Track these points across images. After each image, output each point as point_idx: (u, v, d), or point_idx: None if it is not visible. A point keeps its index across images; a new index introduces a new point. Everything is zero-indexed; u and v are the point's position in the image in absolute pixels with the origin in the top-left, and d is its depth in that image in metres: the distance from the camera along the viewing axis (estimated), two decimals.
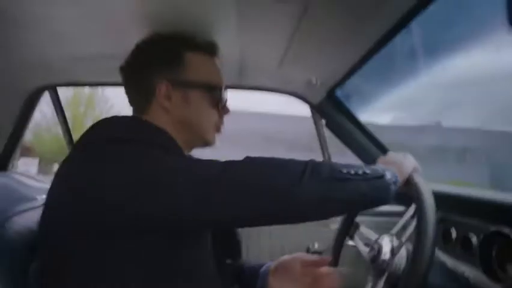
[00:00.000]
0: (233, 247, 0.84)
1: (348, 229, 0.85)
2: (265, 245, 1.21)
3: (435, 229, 0.54)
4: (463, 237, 0.93)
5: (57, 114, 1.34)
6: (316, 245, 1.21)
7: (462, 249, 0.93)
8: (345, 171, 0.56)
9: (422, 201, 0.60)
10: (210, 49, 0.75)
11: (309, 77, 1.13)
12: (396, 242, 0.69)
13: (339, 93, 1.26)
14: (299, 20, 0.76)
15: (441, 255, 1.02)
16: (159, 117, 0.69)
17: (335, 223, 0.86)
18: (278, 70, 1.07)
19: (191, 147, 0.76)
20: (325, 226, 1.22)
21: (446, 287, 0.86)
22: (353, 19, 0.76)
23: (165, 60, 0.70)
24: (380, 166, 0.64)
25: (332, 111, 1.31)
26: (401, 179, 0.64)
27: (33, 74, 1.06)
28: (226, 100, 0.76)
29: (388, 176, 0.60)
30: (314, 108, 1.35)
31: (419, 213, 0.60)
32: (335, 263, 0.83)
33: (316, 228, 1.22)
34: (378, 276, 0.69)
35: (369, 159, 1.32)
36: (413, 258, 0.52)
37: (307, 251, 1.21)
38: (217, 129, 0.76)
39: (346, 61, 0.98)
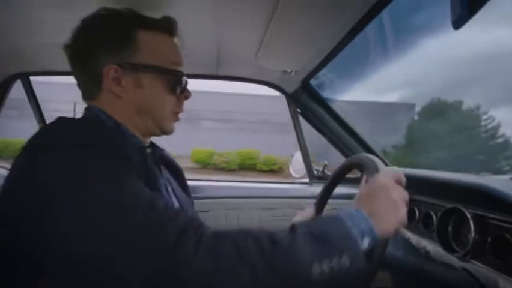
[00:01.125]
0: None
1: (322, 211, 0.90)
2: (244, 225, 1.25)
3: None
4: (424, 215, 1.02)
5: (30, 103, 1.31)
6: None
7: (424, 226, 1.01)
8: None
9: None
10: (166, 27, 0.67)
11: (284, 67, 1.16)
12: None
13: (313, 83, 1.31)
14: (274, 11, 0.78)
15: (406, 233, 1.11)
16: (110, 104, 0.63)
17: (310, 206, 0.90)
18: (254, 60, 1.09)
19: (148, 135, 0.70)
20: (301, 209, 1.27)
21: (410, 261, 0.94)
22: (327, 9, 0.79)
23: (113, 40, 0.62)
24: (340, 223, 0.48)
25: (307, 101, 1.35)
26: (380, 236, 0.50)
27: (4, 62, 1.02)
28: (185, 84, 0.69)
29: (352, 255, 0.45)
30: (289, 97, 1.39)
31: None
32: None
33: (292, 211, 1.28)
34: None
35: (343, 147, 1.38)
36: None
37: None
38: (175, 116, 0.70)
39: (320, 51, 1.01)
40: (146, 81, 0.63)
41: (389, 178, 0.57)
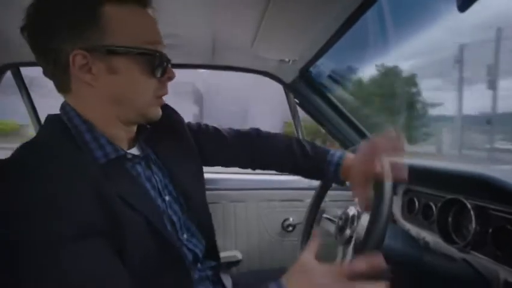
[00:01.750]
0: (206, 227, 0.76)
1: (320, 203, 0.89)
2: (241, 219, 1.25)
3: (392, 193, 0.58)
4: (424, 206, 1.01)
5: (21, 94, 1.28)
6: (291, 219, 1.26)
7: (423, 217, 1.01)
8: None
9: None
10: None
11: (281, 57, 1.13)
12: (363, 213, 0.74)
13: (311, 72, 1.28)
14: None
15: (405, 224, 1.10)
16: (84, 96, 0.56)
17: (308, 197, 0.89)
18: (251, 50, 1.06)
19: (131, 125, 0.63)
20: (299, 200, 1.26)
21: (410, 252, 0.93)
22: None
23: (75, 20, 0.52)
24: None
25: (305, 91, 1.33)
26: None
27: None
28: (166, 63, 0.60)
29: None
30: (287, 87, 1.36)
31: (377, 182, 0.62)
32: (309, 235, 0.87)
33: (290, 203, 1.27)
34: (346, 244, 0.73)
35: (342, 138, 1.36)
36: (370, 219, 0.56)
37: (283, 224, 1.26)
38: (159, 100, 0.62)
39: (318, 39, 0.99)
40: (120, 65, 0.55)
41: (346, 275, 0.48)
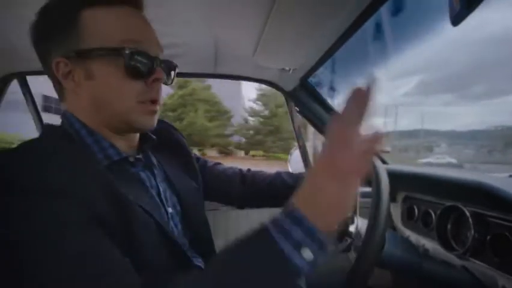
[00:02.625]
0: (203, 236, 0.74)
1: None
2: (243, 226, 1.25)
3: (389, 201, 0.58)
4: (423, 213, 1.02)
5: (27, 103, 1.30)
6: None
7: (423, 224, 1.01)
8: None
9: (377, 175, 0.63)
10: None
11: (282, 65, 1.15)
12: (360, 219, 0.75)
13: (311, 81, 1.30)
14: (271, 9, 0.77)
15: (405, 231, 1.11)
16: (74, 104, 0.56)
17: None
18: (252, 59, 1.08)
19: (122, 132, 0.59)
20: None
21: (409, 259, 0.93)
22: (324, 7, 0.78)
23: (55, 29, 0.53)
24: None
25: (305, 99, 1.35)
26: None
27: (0, 61, 1.02)
28: (151, 64, 0.54)
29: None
30: (288, 95, 1.38)
31: (374, 189, 0.62)
32: None
33: None
34: (345, 251, 0.74)
35: None
36: (369, 226, 0.56)
37: None
38: (145, 106, 0.56)
39: (318, 49, 1.01)
40: (95, 70, 0.52)
41: (334, 139, 0.41)
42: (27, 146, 0.51)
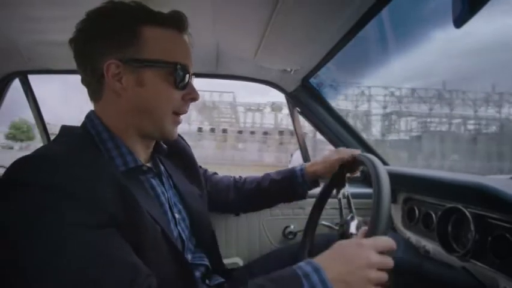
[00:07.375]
0: (208, 237, 0.80)
1: (321, 211, 0.89)
2: (243, 227, 1.25)
3: (390, 201, 0.58)
4: (424, 215, 1.02)
5: (29, 102, 1.30)
6: (292, 226, 1.27)
7: (424, 225, 1.02)
8: None
9: (377, 175, 0.62)
10: (174, 23, 0.62)
11: (283, 66, 1.16)
12: (361, 219, 0.75)
13: (313, 81, 1.30)
14: (273, 10, 0.78)
15: (406, 232, 1.11)
16: (111, 104, 0.61)
17: (310, 205, 0.90)
18: (254, 60, 1.09)
19: (148, 139, 0.66)
20: (300, 208, 1.27)
21: (410, 260, 0.94)
22: (326, 8, 0.78)
23: (116, 34, 0.58)
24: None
25: (306, 100, 1.35)
26: None
27: (1, 60, 1.02)
28: (189, 80, 0.64)
29: None
30: (289, 96, 1.38)
31: (375, 190, 0.61)
32: (310, 241, 0.88)
33: (292, 211, 1.27)
34: None
35: (342, 146, 1.38)
36: (369, 227, 0.56)
37: (284, 231, 1.27)
38: (176, 117, 0.65)
39: (319, 50, 1.01)
40: (147, 79, 0.59)
41: (373, 247, 0.52)
42: (45, 150, 0.54)
